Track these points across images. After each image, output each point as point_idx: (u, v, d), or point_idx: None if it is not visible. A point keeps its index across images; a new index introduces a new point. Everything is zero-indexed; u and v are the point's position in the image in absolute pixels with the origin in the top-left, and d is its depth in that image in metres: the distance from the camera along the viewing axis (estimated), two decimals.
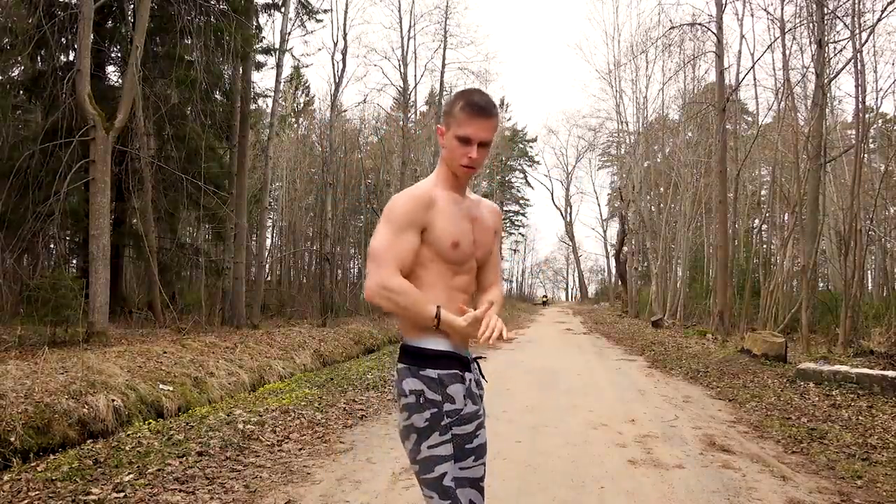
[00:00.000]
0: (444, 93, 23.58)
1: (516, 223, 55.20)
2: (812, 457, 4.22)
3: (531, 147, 50.37)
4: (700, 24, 16.35)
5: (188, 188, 11.63)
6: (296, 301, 21.59)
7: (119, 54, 13.57)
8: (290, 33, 16.02)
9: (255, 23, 14.62)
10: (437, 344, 1.62)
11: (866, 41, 12.49)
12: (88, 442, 4.35)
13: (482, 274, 1.83)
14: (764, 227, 23.13)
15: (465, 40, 25.28)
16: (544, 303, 47.57)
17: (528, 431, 4.85)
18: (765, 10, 20.45)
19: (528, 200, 54.95)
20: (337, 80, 18.98)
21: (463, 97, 1.65)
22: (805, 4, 12.68)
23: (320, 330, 12.14)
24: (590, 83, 69.70)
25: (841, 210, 16.73)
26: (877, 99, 17.86)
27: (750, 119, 25.67)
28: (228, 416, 5.08)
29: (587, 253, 66.35)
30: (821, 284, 20.79)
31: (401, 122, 23.49)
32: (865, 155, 16.14)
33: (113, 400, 4.92)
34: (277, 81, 15.99)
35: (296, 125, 30.54)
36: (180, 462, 3.78)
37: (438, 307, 1.59)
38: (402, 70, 21.90)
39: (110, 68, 14.06)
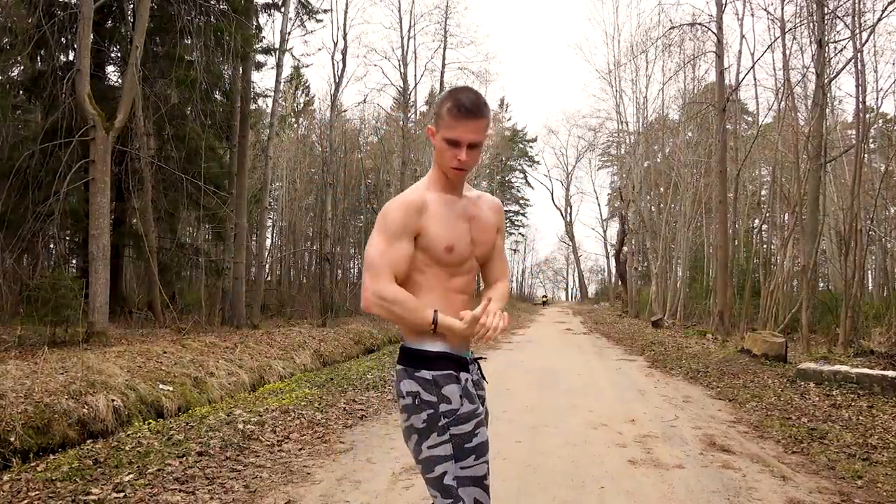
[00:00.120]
0: None
1: (516, 223, 55.21)
2: (812, 457, 4.22)
3: (531, 147, 50.41)
4: (700, 24, 16.36)
5: (188, 188, 11.63)
6: (296, 301, 21.60)
7: (119, 54, 13.58)
8: (290, 33, 16.04)
9: (255, 23, 14.62)
10: (434, 346, 1.63)
11: (866, 41, 12.52)
12: (88, 442, 4.35)
13: (487, 270, 1.83)
14: (764, 227, 23.13)
15: (465, 40, 25.34)
16: (544, 303, 47.55)
17: (528, 431, 4.85)
18: (765, 9, 20.43)
19: (528, 200, 55.03)
20: (337, 80, 19.00)
21: (450, 98, 1.61)
22: (805, 4, 12.70)
23: (320, 330, 12.14)
24: (590, 83, 69.79)
25: (841, 210, 16.74)
26: (877, 99, 17.90)
27: (750, 119, 25.67)
28: (228, 416, 5.08)
29: (587, 253, 66.44)
30: (821, 284, 20.80)
31: (401, 122, 23.49)
32: (866, 155, 16.14)
33: (113, 400, 4.92)
34: (277, 81, 16.00)
35: (296, 125, 30.54)
36: (180, 462, 3.78)
37: (435, 312, 1.59)
38: (402, 70, 21.91)
39: (110, 68, 14.08)
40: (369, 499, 3.28)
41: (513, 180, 52.30)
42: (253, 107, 15.95)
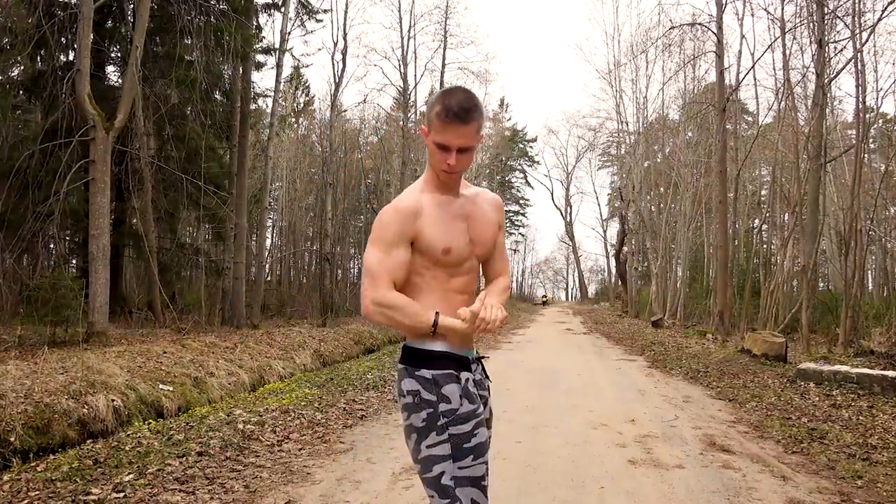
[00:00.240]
0: None
1: (516, 223, 55.23)
2: (812, 457, 4.22)
3: (531, 147, 50.41)
4: (700, 23, 16.37)
5: (188, 188, 11.63)
6: (296, 301, 21.61)
7: (119, 54, 13.58)
8: (290, 33, 16.05)
9: (255, 23, 14.63)
10: (434, 345, 1.63)
11: (866, 41, 12.52)
12: (88, 442, 4.35)
13: (488, 267, 1.83)
14: (764, 227, 23.13)
15: (465, 40, 25.36)
16: (544, 303, 47.54)
17: (528, 431, 4.85)
18: (765, 9, 20.47)
19: (528, 200, 55.04)
20: (337, 80, 19.01)
21: (440, 101, 1.57)
22: (805, 4, 12.70)
23: (320, 330, 12.14)
24: (590, 83, 69.80)
25: (841, 210, 16.74)
26: (877, 99, 17.91)
27: (750, 119, 25.68)
28: (228, 416, 5.08)
29: (587, 253, 66.42)
30: (821, 284, 20.80)
31: (401, 122, 23.50)
32: (866, 155, 16.14)
33: (113, 400, 4.92)
34: (277, 81, 16.01)
35: (296, 125, 30.55)
36: (180, 462, 3.78)
37: (437, 314, 1.59)
38: (402, 70, 21.92)
39: (110, 68, 14.09)
40: (369, 499, 3.28)
41: (513, 180, 52.31)
42: (253, 107, 15.96)
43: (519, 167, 51.80)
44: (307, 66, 40.57)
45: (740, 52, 20.84)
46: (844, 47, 12.51)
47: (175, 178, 11.96)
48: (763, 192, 25.93)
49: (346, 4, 21.92)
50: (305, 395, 6.19)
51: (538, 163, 51.44)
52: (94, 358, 5.79)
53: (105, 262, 8.98)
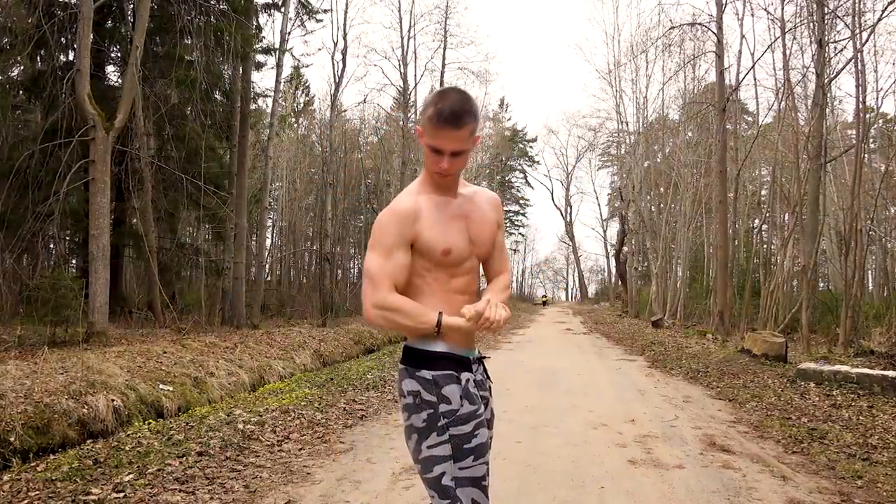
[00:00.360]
0: None
1: (516, 223, 55.21)
2: (812, 457, 4.22)
3: (531, 147, 50.41)
4: (700, 23, 16.36)
5: (188, 188, 11.63)
6: (296, 301, 21.62)
7: (119, 54, 13.59)
8: (290, 33, 16.06)
9: (255, 23, 14.63)
10: (435, 346, 1.63)
11: (867, 41, 12.52)
12: (88, 442, 4.35)
13: (487, 266, 1.82)
14: (764, 227, 23.13)
15: (465, 40, 25.36)
16: (544, 303, 47.53)
17: (528, 431, 4.85)
18: (765, 9, 20.34)
19: (528, 200, 55.02)
20: (337, 80, 19.01)
21: (433, 104, 1.55)
22: (805, 4, 12.70)
23: (320, 330, 12.14)
24: (590, 83, 69.85)
25: (841, 210, 16.74)
26: (877, 99, 17.86)
27: (750, 119, 25.67)
28: (228, 416, 5.08)
29: (587, 253, 66.45)
30: (821, 284, 20.80)
31: (401, 122, 23.50)
32: (866, 155, 16.13)
33: (113, 400, 4.92)
34: (277, 81, 16.01)
35: (296, 125, 30.55)
36: (180, 462, 3.78)
37: (440, 314, 1.59)
38: (402, 70, 21.93)
39: (110, 68, 14.10)
40: (369, 499, 3.28)
41: (513, 180, 52.30)
42: (253, 107, 15.97)
43: (519, 167, 51.79)
44: (307, 66, 40.64)
45: (740, 52, 20.85)
46: (844, 47, 12.52)
47: (175, 178, 11.97)
48: (763, 192, 25.93)
49: (346, 4, 21.95)
50: (305, 395, 6.19)
51: (538, 163, 51.51)
52: (94, 358, 5.79)
53: (105, 262, 8.98)
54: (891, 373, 6.55)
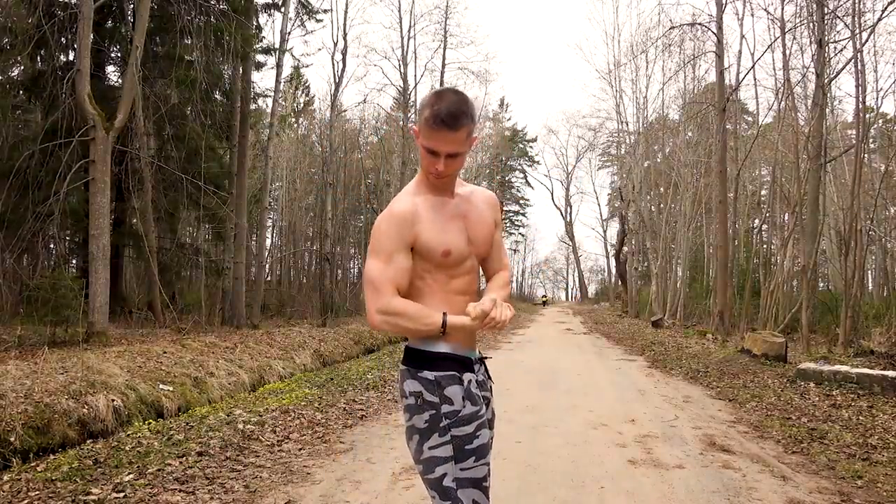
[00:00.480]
0: None
1: (516, 223, 55.22)
2: (812, 457, 4.22)
3: (531, 147, 50.41)
4: (700, 23, 16.37)
5: (188, 188, 11.64)
6: (296, 301, 21.62)
7: (119, 54, 13.59)
8: (290, 33, 16.07)
9: (255, 23, 14.63)
10: (437, 346, 1.62)
11: (866, 41, 12.52)
12: (88, 442, 4.35)
13: (487, 265, 1.82)
14: (764, 227, 23.14)
15: (465, 40, 25.36)
16: (544, 303, 47.53)
17: (528, 431, 4.85)
18: (765, 9, 20.44)
19: (528, 200, 55.02)
20: (337, 80, 19.02)
21: (429, 106, 1.53)
22: (805, 4, 12.70)
23: (320, 330, 12.13)
24: (590, 83, 69.90)
25: (841, 210, 16.73)
26: (877, 99, 17.87)
27: (750, 119, 25.68)
28: (228, 416, 5.08)
29: (587, 253, 66.45)
30: (821, 284, 20.80)
31: (401, 122, 23.49)
32: (865, 155, 16.14)
33: (113, 400, 4.92)
34: (277, 81, 16.02)
35: (296, 125, 30.55)
36: (180, 462, 3.78)
37: (444, 314, 1.58)
38: (402, 70, 21.93)
39: (110, 68, 14.11)
40: (369, 499, 3.28)
41: (513, 180, 52.31)
42: (253, 107, 15.98)
43: (519, 167, 51.80)
44: (307, 66, 40.64)
45: (740, 52, 20.87)
46: (844, 47, 12.52)
47: (175, 178, 11.97)
48: (763, 192, 25.94)
49: (346, 4, 21.96)
50: (305, 395, 6.19)
51: (538, 163, 51.51)
52: (94, 358, 5.79)
53: (105, 262, 8.98)
54: (891, 373, 6.55)
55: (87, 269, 9.36)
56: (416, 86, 22.32)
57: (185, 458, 3.86)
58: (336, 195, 23.34)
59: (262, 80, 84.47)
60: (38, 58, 11.50)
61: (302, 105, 31.11)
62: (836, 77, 12.96)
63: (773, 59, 26.09)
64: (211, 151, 13.57)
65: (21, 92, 12.16)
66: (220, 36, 11.75)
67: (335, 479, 3.58)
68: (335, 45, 18.79)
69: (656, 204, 28.22)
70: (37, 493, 3.20)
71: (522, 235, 58.35)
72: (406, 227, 1.58)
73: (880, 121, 21.23)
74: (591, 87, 72.89)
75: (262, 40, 15.70)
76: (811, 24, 12.29)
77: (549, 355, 10.92)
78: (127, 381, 5.35)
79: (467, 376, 1.64)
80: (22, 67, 12.01)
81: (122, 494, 3.20)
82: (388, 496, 3.32)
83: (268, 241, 28.39)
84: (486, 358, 1.81)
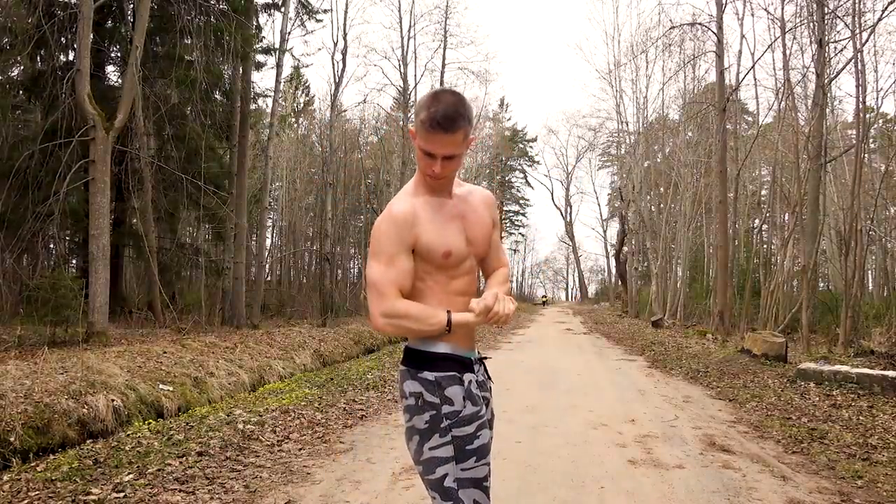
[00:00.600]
0: None
1: (516, 223, 55.22)
2: (812, 457, 4.22)
3: (531, 147, 50.41)
4: (700, 23, 16.38)
5: (188, 188, 11.64)
6: (296, 301, 21.62)
7: (119, 54, 13.59)
8: (290, 33, 16.07)
9: (255, 23, 14.63)
10: (437, 346, 1.62)
11: (867, 41, 12.52)
12: (88, 442, 4.35)
13: (485, 264, 1.82)
14: (764, 227, 23.14)
15: (465, 40, 25.40)
16: (544, 303, 47.54)
17: (528, 431, 4.85)
18: (765, 9, 20.46)
19: (528, 200, 55.03)
20: (337, 80, 19.02)
21: (425, 108, 1.52)
22: (805, 4, 12.70)
23: (320, 330, 12.13)
24: (590, 83, 69.89)
25: (841, 210, 16.74)
26: (877, 99, 17.89)
27: (750, 119, 25.68)
28: (228, 416, 5.08)
29: (587, 253, 66.45)
30: (821, 284, 20.80)
31: (401, 122, 23.49)
32: (866, 155, 16.13)
33: (113, 400, 4.92)
34: (277, 81, 16.01)
35: (296, 125, 30.56)
36: (180, 462, 3.78)
37: (449, 312, 1.58)
38: (402, 70, 21.93)
39: (110, 68, 14.11)
40: (369, 499, 3.28)
41: (513, 180, 52.32)
42: (253, 107, 15.97)
43: (519, 167, 51.80)
44: (307, 66, 40.70)
45: (740, 52, 20.81)
46: (844, 47, 12.52)
47: (175, 178, 11.97)
48: (763, 192, 25.95)
49: (346, 4, 21.98)
50: (305, 395, 6.19)
51: (538, 163, 51.52)
52: (94, 358, 5.79)
53: (105, 262, 8.98)
54: (891, 373, 6.55)
55: (87, 269, 9.35)
56: (416, 86, 22.35)
57: (185, 458, 3.86)
58: (336, 195, 23.35)
59: (262, 80, 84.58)
60: (38, 58, 11.50)
61: (302, 105, 31.12)
62: (836, 77, 12.97)
63: (773, 59, 26.13)
64: (211, 151, 13.57)
65: (21, 92, 12.16)
66: (220, 36, 11.75)
67: (335, 479, 3.58)
68: (335, 45, 18.81)
69: (656, 204, 28.23)
70: (37, 493, 3.20)
71: (522, 235, 58.43)
72: (406, 228, 1.58)
73: (880, 121, 21.23)
74: (591, 87, 72.99)
75: (262, 40, 15.71)
76: (811, 24, 12.30)
77: (549, 355, 10.92)
78: (127, 381, 5.35)
79: (467, 377, 1.64)
80: (22, 67, 12.01)
81: (122, 494, 3.20)
82: (388, 496, 3.32)
83: (268, 241, 28.41)
84: (485, 358, 1.81)
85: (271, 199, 27.11)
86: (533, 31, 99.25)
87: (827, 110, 14.75)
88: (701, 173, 21.25)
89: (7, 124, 10.60)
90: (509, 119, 47.86)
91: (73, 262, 15.23)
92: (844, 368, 6.96)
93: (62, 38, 10.93)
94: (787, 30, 13.26)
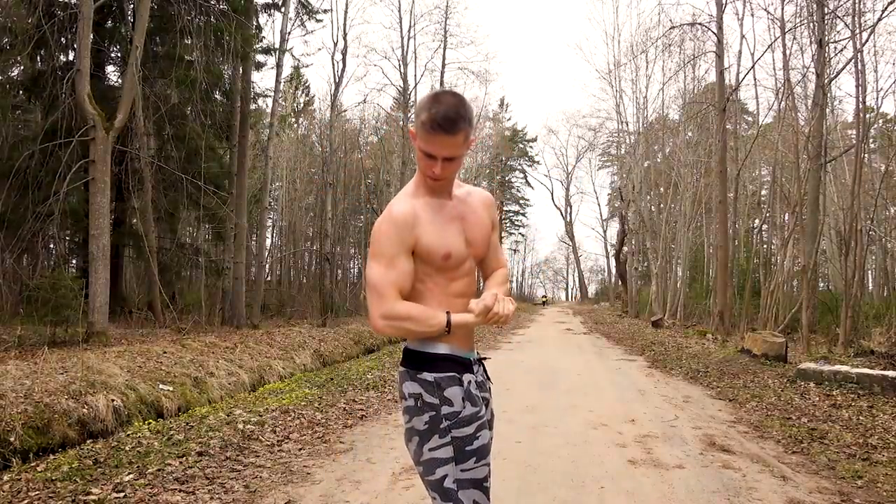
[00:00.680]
0: None
1: (516, 223, 55.22)
2: (812, 457, 4.22)
3: (531, 147, 50.41)
4: (700, 23, 16.38)
5: (188, 188, 11.64)
6: (296, 301, 21.62)
7: (119, 54, 13.59)
8: (290, 33, 16.08)
9: (255, 23, 14.63)
10: (436, 347, 1.62)
11: (867, 41, 12.52)
12: (88, 442, 4.35)
13: (484, 265, 1.82)
14: (764, 227, 23.14)
15: (465, 40, 25.43)
16: (544, 303, 47.55)
17: (528, 431, 4.85)
18: (765, 9, 20.47)
19: (528, 200, 55.02)
20: (337, 80, 19.03)
21: (426, 109, 1.52)
22: (805, 4, 12.70)
23: (320, 330, 12.13)
24: (590, 83, 69.94)
25: (841, 210, 16.74)
26: (877, 99, 17.88)
27: (750, 119, 25.68)
28: (228, 416, 5.08)
29: (587, 253, 66.39)
30: (821, 284, 20.79)
31: (401, 122, 23.49)
32: (866, 155, 16.13)
33: (113, 400, 4.92)
34: (277, 81, 16.02)
35: (296, 125, 30.56)
36: (180, 462, 3.78)
37: (448, 313, 1.58)
38: (402, 70, 21.94)
39: (110, 68, 14.11)
40: (369, 499, 3.28)
41: (513, 180, 52.31)
42: (253, 107, 15.97)
43: (519, 167, 51.79)
44: (307, 66, 40.74)
45: (740, 52, 20.86)
46: (844, 47, 12.52)
47: (175, 178, 11.97)
48: (763, 192, 25.94)
49: (346, 4, 22.00)
50: (305, 395, 6.19)
51: (538, 163, 51.52)
52: (94, 358, 5.79)
53: (105, 262, 8.98)
54: (891, 373, 6.55)
55: (87, 269, 9.35)
56: (416, 86, 22.35)
57: (185, 458, 3.87)
58: (336, 195, 23.36)
59: (262, 80, 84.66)
60: (38, 58, 11.50)
61: (302, 105, 31.13)
62: (836, 77, 12.97)
63: (773, 59, 26.13)
64: (211, 151, 13.57)
65: (21, 92, 12.16)
66: (220, 36, 11.75)
67: (335, 479, 3.58)
68: (335, 45, 18.83)
69: (656, 204, 28.22)
70: (37, 493, 3.20)
71: (522, 235, 58.43)
72: (406, 230, 1.58)
73: (880, 121, 21.23)
74: (591, 87, 73.03)
75: (262, 40, 15.72)
76: (811, 24, 12.30)
77: (549, 355, 10.92)
78: (127, 381, 5.35)
79: (467, 377, 1.63)
80: (22, 67, 12.01)
81: (122, 494, 3.20)
82: (387, 496, 3.32)
83: (268, 241, 28.42)
84: (484, 359, 1.81)
85: (271, 199, 27.13)
86: (533, 31, 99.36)
87: (827, 110, 14.75)
88: (701, 173, 21.26)
89: (7, 124, 10.60)
90: (509, 119, 47.90)
91: (73, 262, 15.23)
92: (844, 368, 6.96)
93: (62, 38, 10.93)
94: (786, 30, 13.26)
